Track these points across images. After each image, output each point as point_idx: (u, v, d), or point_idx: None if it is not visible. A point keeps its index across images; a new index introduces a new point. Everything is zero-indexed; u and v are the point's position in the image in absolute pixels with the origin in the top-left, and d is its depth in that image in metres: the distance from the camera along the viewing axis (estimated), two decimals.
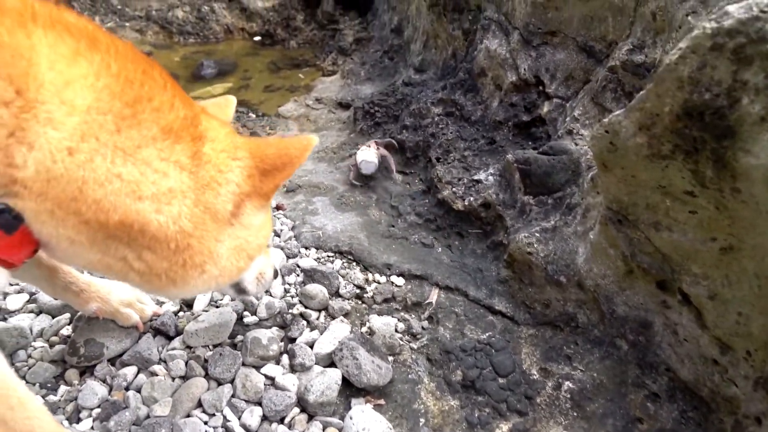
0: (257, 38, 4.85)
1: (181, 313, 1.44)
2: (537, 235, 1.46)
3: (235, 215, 0.89)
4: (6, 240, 0.70)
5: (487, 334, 1.45)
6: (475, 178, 1.81)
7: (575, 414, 1.25)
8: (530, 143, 1.83)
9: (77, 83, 0.68)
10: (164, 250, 0.80)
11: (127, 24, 4.79)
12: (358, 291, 1.60)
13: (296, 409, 1.23)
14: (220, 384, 1.26)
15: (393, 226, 1.88)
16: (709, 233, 1.04)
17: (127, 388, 1.23)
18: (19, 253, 0.75)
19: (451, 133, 2.04)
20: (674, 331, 1.18)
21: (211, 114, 0.93)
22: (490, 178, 1.77)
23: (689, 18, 1.38)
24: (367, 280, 1.65)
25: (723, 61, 0.90)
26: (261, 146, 0.91)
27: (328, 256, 1.75)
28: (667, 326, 1.19)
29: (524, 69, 1.86)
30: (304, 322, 1.47)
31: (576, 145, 1.52)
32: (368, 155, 2.17)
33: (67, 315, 1.41)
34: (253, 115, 3.29)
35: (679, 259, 1.11)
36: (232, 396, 1.24)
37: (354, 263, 1.73)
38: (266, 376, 1.29)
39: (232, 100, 1.10)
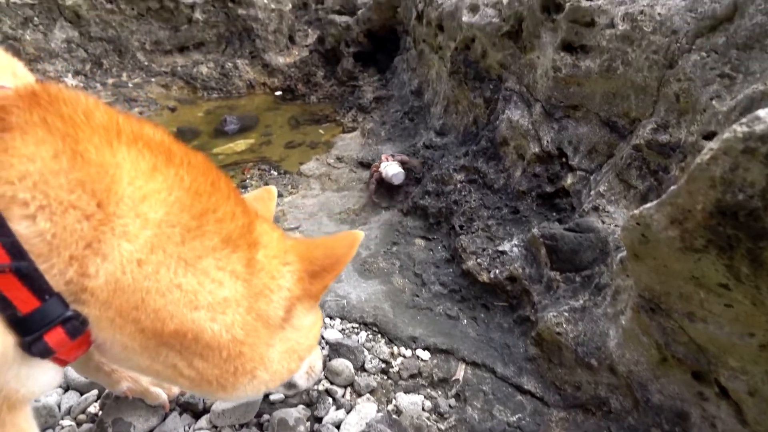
0: (278, 93, 5.01)
1: None
2: (566, 314, 1.46)
3: (286, 319, 0.90)
4: (70, 344, 0.72)
5: (516, 416, 1.43)
6: (500, 249, 1.82)
7: None
8: (554, 214, 1.85)
9: (152, 198, 0.71)
10: (216, 358, 0.81)
11: (153, 79, 4.98)
12: (383, 366, 1.60)
13: None
14: None
15: (417, 296, 1.89)
16: (746, 328, 1.03)
17: None
18: (76, 353, 0.78)
19: (474, 200, 2.06)
20: (713, 424, 1.15)
21: (263, 217, 0.96)
22: (515, 249, 1.78)
23: (713, 102, 1.41)
24: (392, 354, 1.65)
25: (756, 164, 0.91)
26: (309, 248, 0.93)
27: (353, 327, 1.76)
28: (705, 419, 1.17)
29: (547, 141, 1.90)
30: (330, 400, 1.46)
31: (603, 222, 1.53)
32: (394, 168, 2.51)
33: (95, 392, 1.42)
34: (275, 173, 3.37)
35: (715, 351, 1.10)
36: None
37: (379, 335, 1.72)
38: None
39: (273, 193, 1.12)
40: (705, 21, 1.44)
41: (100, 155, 0.68)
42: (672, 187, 1.05)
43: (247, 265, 0.82)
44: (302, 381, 1.11)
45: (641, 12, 1.60)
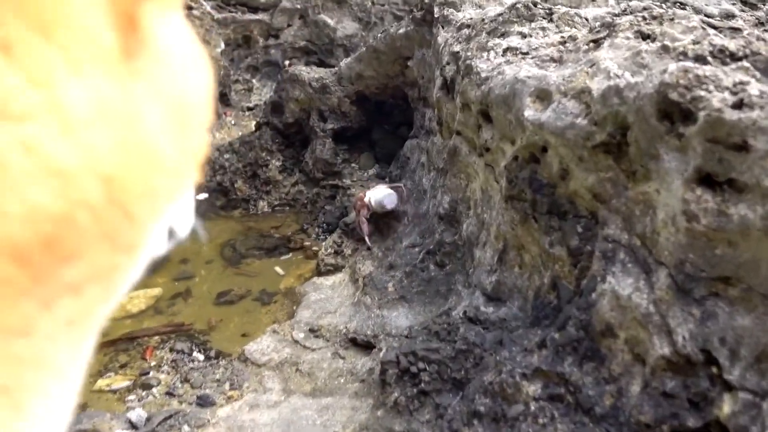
0: (202, 196, 5.15)
1: None
2: None
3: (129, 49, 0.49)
4: None
5: None
6: None
7: None
8: None
9: None
10: None
11: None
12: None
13: None
14: None
15: None
16: None
17: None
18: None
19: None
20: None
21: None
22: None
23: None
24: None
25: None
26: None
27: None
28: None
29: (683, 337, 1.98)
30: None
31: None
32: (381, 191, 3.54)
33: None
34: (201, 357, 3.41)
35: None
36: None
37: None
38: None
39: None
40: None
41: None
42: None
43: None
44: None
45: None
